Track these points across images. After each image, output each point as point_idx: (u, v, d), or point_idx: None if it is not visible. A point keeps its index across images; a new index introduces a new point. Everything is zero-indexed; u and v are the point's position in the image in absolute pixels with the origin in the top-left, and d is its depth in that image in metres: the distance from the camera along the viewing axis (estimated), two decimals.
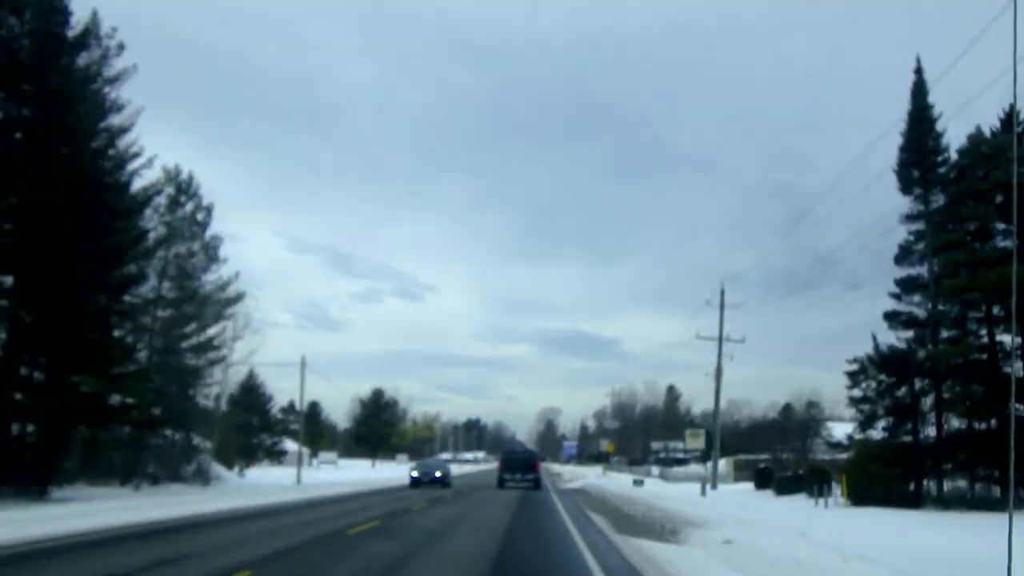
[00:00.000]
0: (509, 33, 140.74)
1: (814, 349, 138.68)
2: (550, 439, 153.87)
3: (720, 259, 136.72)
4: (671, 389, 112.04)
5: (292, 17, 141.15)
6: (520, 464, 40.82)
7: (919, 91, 29.51)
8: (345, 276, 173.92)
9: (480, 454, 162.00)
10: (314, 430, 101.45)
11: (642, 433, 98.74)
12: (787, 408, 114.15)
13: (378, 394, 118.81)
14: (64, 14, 25.16)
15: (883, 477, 26.10)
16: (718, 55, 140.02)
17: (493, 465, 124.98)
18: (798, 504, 28.42)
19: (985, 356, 26.11)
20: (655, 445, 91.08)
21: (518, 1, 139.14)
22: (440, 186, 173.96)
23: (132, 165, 28.06)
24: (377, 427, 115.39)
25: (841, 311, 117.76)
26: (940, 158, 29.33)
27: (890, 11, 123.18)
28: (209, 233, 38.77)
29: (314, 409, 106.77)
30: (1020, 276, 11.97)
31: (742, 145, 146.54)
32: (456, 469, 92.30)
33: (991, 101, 28.01)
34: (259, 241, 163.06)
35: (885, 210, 30.57)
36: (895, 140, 30.07)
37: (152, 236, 32.96)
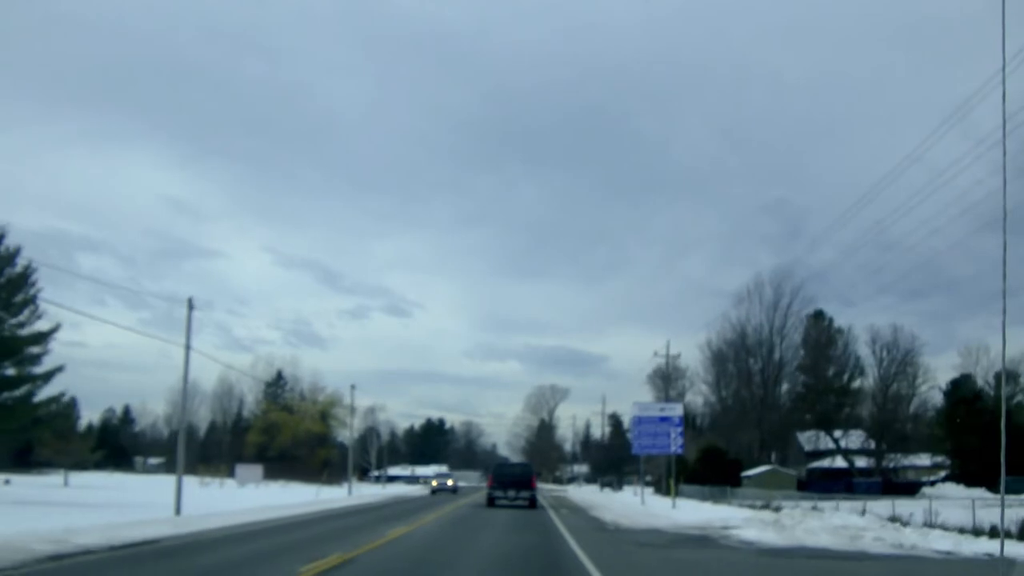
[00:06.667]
0: (500, 50, 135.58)
1: None
2: (547, 442, 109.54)
3: (710, 277, 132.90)
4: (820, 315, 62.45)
5: (280, 32, 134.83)
6: (513, 480, 34.52)
7: None
8: (334, 293, 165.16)
9: (439, 469, 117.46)
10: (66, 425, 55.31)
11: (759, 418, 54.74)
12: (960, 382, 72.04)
13: None
14: None
15: None
16: (712, 72, 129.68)
17: (428, 494, 76.55)
18: None
19: None
20: (804, 438, 48.48)
21: (511, 19, 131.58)
22: (430, 203, 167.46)
23: None
24: None
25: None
26: None
27: (887, 24, 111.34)
28: None
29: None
30: None
31: (735, 162, 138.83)
32: (364, 497, 47.68)
33: None
34: (247, 257, 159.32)
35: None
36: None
37: None
